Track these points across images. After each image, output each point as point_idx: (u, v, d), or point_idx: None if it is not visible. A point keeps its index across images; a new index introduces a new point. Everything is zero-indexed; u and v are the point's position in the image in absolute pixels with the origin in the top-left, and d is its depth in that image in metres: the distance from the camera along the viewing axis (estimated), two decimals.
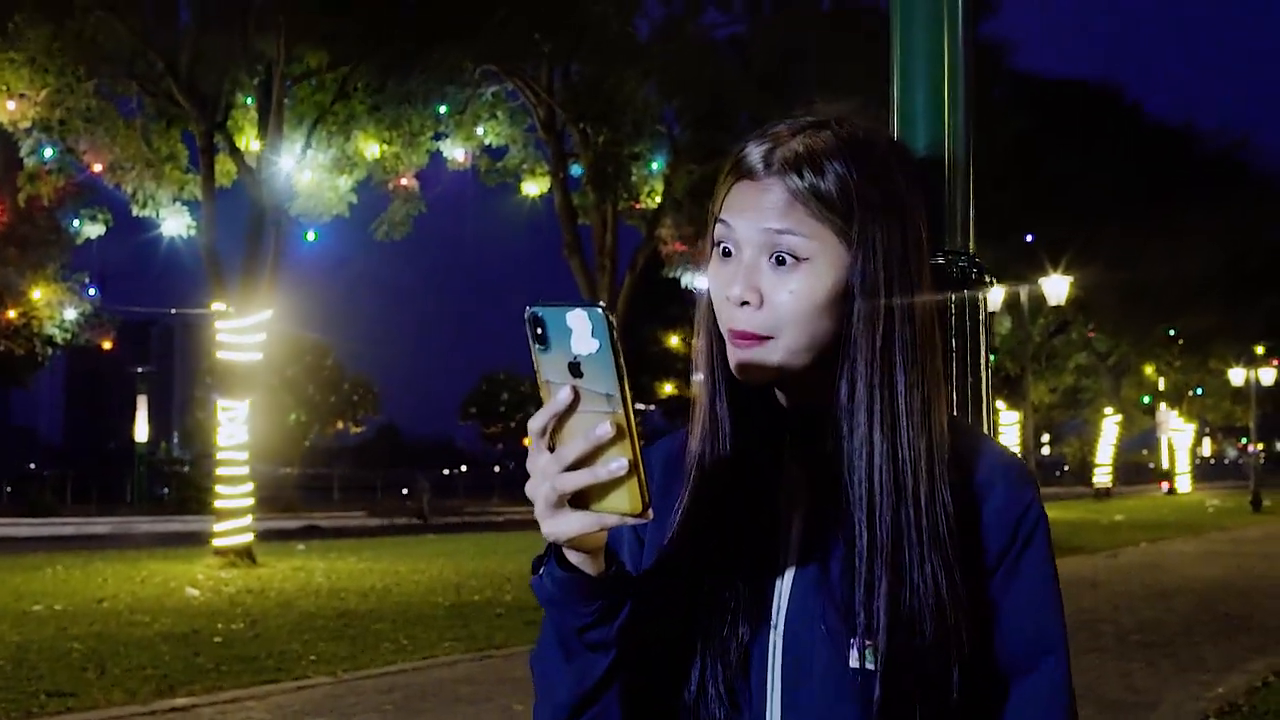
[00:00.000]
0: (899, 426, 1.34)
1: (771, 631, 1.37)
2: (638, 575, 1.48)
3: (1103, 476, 48.38)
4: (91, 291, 31.82)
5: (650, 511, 1.19)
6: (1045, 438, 69.11)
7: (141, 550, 21.14)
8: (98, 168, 18.66)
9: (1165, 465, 59.93)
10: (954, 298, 1.90)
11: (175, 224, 19.95)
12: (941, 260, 1.90)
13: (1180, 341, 39.00)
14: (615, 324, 1.14)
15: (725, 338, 1.39)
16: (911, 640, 1.30)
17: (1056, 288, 22.92)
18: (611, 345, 1.14)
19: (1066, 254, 22.86)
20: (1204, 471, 68.86)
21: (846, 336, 1.35)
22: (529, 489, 1.23)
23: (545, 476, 1.21)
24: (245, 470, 18.44)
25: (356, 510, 41.12)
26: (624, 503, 1.19)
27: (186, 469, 44.12)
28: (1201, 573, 17.98)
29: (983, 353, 1.94)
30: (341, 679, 9.25)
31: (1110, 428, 46.84)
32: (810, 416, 1.40)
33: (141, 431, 38.72)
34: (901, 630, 1.30)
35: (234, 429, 18.30)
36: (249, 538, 18.18)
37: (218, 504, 18.29)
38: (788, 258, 1.34)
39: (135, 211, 19.42)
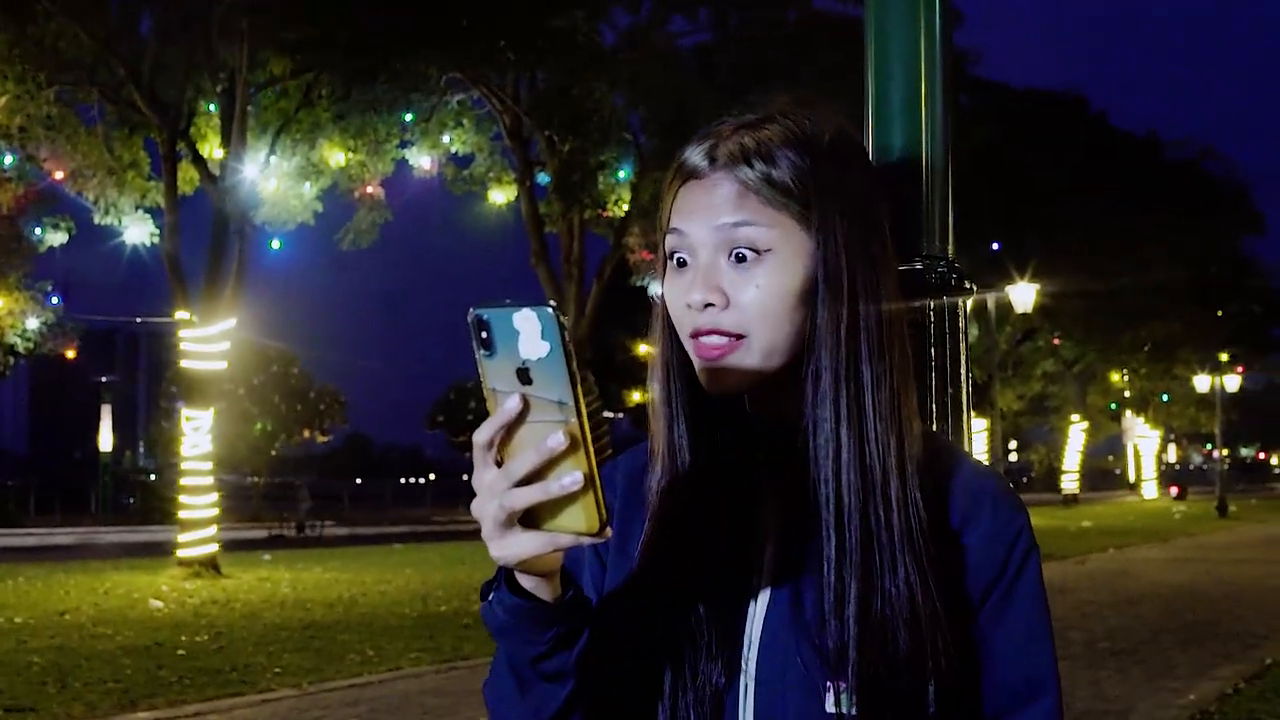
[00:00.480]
0: (866, 421, 1.25)
1: (742, 675, 1.27)
2: (599, 601, 1.40)
3: (1070, 483, 48.63)
4: (54, 300, 31.54)
5: (609, 530, 1.08)
6: (1013, 445, 69.43)
7: (106, 561, 20.89)
8: (59, 175, 18.47)
9: (1131, 471, 60.33)
10: (932, 304, 1.85)
11: (138, 232, 19.78)
12: (919, 265, 1.85)
13: (1146, 348, 39.25)
14: (566, 325, 1.05)
15: (689, 349, 1.30)
16: (884, 651, 1.21)
17: (1023, 295, 22.98)
18: (563, 348, 1.04)
19: (1032, 262, 22.95)
20: (1170, 477, 69.33)
21: (811, 329, 1.26)
22: (475, 508, 1.12)
23: (493, 494, 1.10)
24: (209, 480, 18.25)
25: (325, 519, 40.83)
26: (579, 521, 1.08)
27: (152, 478, 43.74)
28: (1169, 579, 18.05)
29: (962, 362, 1.89)
30: (306, 691, 9.13)
31: (1077, 435, 47.11)
32: (784, 428, 1.31)
33: (106, 441, 38.39)
34: (874, 642, 1.21)
35: (198, 438, 18.11)
36: (214, 548, 17.97)
37: (182, 514, 18.08)
38: (748, 253, 1.25)
39: (97, 219, 19.26)
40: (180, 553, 17.85)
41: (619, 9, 22.47)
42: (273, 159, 19.52)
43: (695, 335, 1.27)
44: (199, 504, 17.96)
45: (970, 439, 1.89)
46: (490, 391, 1.09)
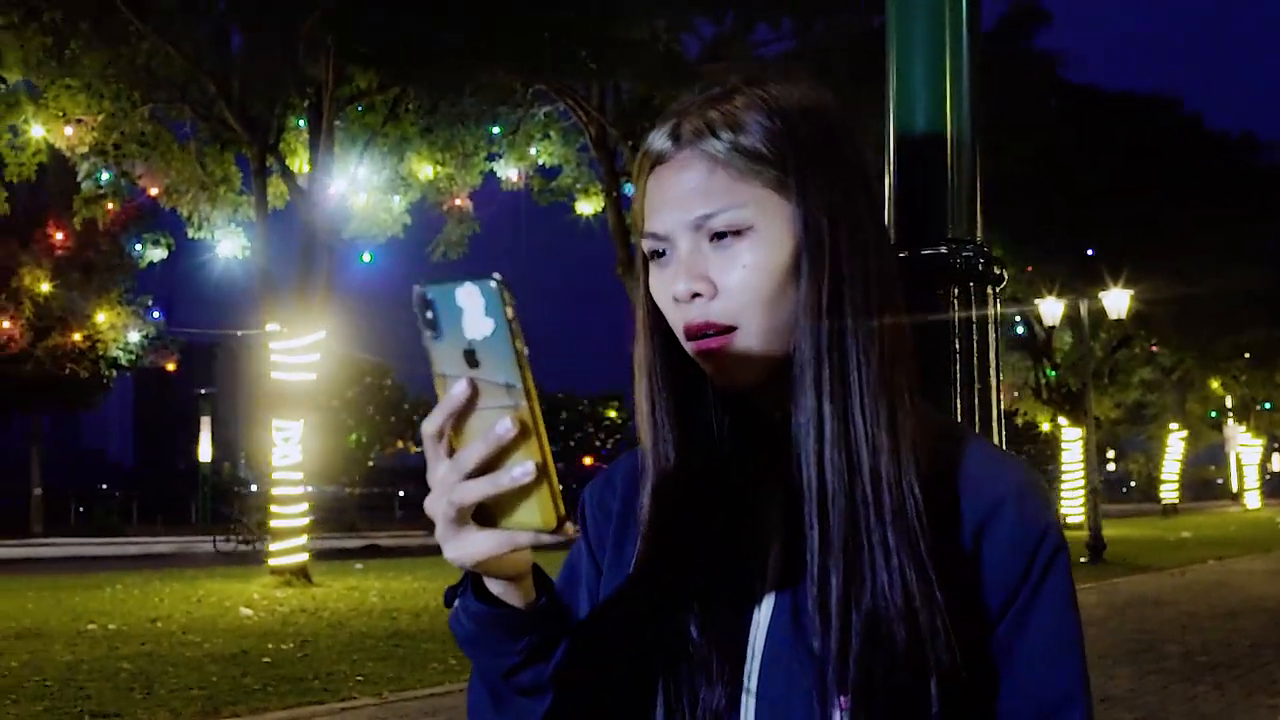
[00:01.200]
0: (851, 394, 1.14)
1: (745, 695, 1.18)
2: (591, 609, 1.31)
3: (1169, 493, 47.53)
4: (155, 314, 32.33)
5: (569, 526, 0.98)
6: (1110, 454, 68.07)
7: (201, 570, 21.27)
8: (154, 191, 18.85)
9: (1233, 481, 58.83)
10: (956, 292, 1.75)
11: (230, 246, 20.14)
12: (944, 250, 1.76)
13: (1245, 355, 38.22)
14: (511, 298, 0.96)
15: (689, 350, 1.21)
16: (878, 648, 1.10)
17: (1117, 302, 22.47)
18: (507, 325, 0.95)
19: (1126, 267, 22.47)
20: (1274, 487, 67.54)
21: (796, 300, 1.16)
22: (427, 505, 1.03)
23: (443, 489, 1.01)
24: (300, 490, 18.49)
25: (418, 530, 41.23)
26: (535, 516, 0.99)
27: (252, 489, 44.53)
28: (1271, 591, 17.50)
29: (992, 354, 1.79)
30: (386, 700, 9.17)
31: (1176, 443, 46.03)
32: (787, 419, 1.21)
33: (205, 452, 39.12)
34: (866, 639, 1.11)
35: (288, 449, 18.35)
36: (304, 557, 18.20)
37: (273, 524, 18.35)
38: (728, 234, 1.16)
39: (191, 234, 19.63)
40: (271, 562, 18.11)
41: (702, 19, 22.42)
42: (361, 173, 19.76)
43: (688, 335, 1.19)
44: (290, 513, 18.20)
45: (1001, 438, 1.78)
46: (439, 377, 1.00)
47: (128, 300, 30.35)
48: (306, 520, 18.49)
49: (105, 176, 18.21)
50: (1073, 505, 31.45)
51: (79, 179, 18.11)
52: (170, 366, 33.15)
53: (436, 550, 1.09)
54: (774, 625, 1.18)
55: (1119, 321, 23.89)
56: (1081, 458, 25.15)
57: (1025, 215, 20.02)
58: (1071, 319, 24.91)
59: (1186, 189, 23.85)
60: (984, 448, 1.25)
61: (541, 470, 0.97)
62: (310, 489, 19.36)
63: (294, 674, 10.11)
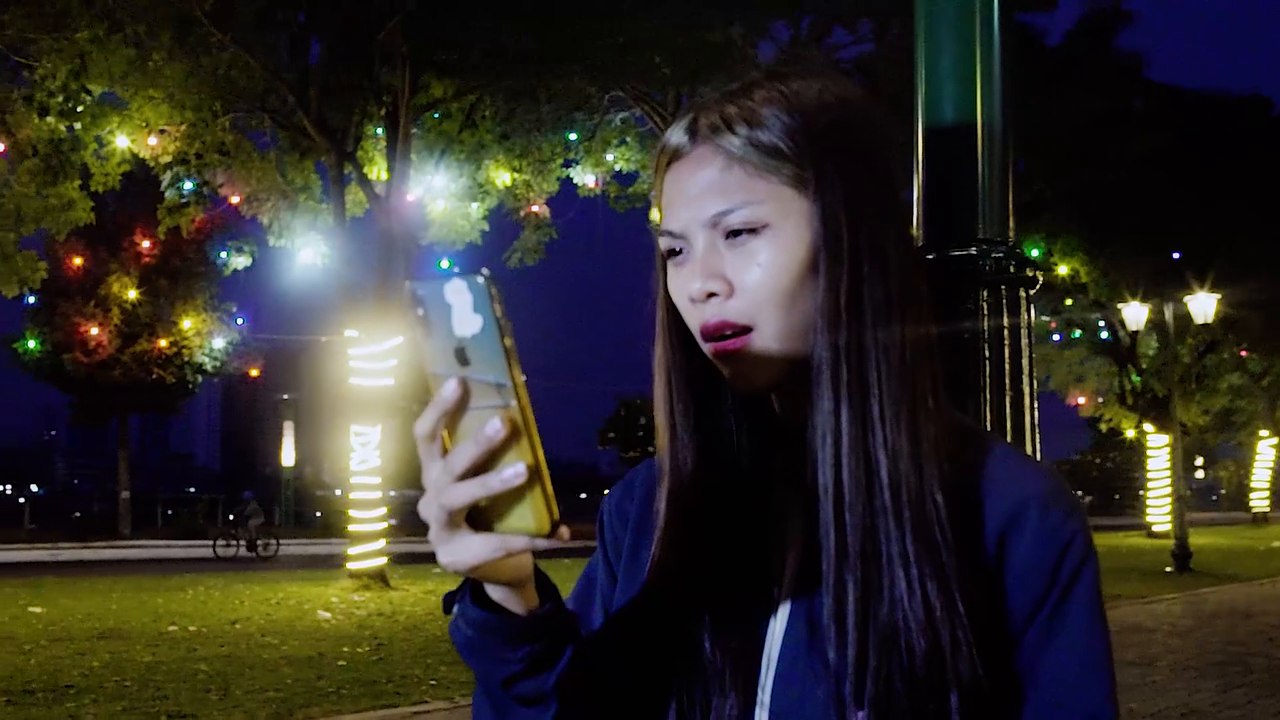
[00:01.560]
0: (870, 397, 1.10)
1: (759, 708, 1.14)
2: (605, 619, 1.28)
3: (1259, 501, 46.44)
4: (239, 320, 32.88)
5: (563, 530, 0.96)
6: (1199, 461, 66.63)
7: (282, 573, 21.53)
8: (235, 200, 19.14)
9: None
10: (985, 294, 1.68)
11: (310, 253, 20.39)
12: (973, 250, 1.69)
13: None
14: (499, 294, 0.94)
15: (707, 352, 1.17)
16: (896, 662, 1.05)
17: (1203, 306, 21.97)
18: (495, 322, 0.93)
19: (1214, 271, 21.98)
20: None
21: (814, 300, 1.12)
22: (421, 507, 1.01)
23: (435, 491, 0.99)
24: (378, 494, 18.65)
25: None
26: (527, 520, 0.97)
27: (335, 492, 45.07)
28: None
29: (1025, 360, 1.71)
30: (458, 704, 9.18)
31: (1267, 450, 44.93)
32: (802, 425, 1.17)
33: (288, 456, 39.70)
34: (883, 653, 1.06)
35: (366, 454, 18.52)
36: (382, 561, 18.35)
37: (351, 528, 18.53)
38: (744, 231, 1.13)
39: (271, 242, 19.90)
40: (350, 565, 18.28)
41: (779, 23, 22.33)
42: (438, 180, 19.92)
43: (705, 335, 1.15)
44: (368, 517, 18.36)
45: (1036, 448, 1.71)
46: (431, 377, 0.98)
47: (212, 307, 30.89)
48: (385, 524, 18.64)
49: (188, 186, 18.51)
50: (1159, 513, 30.82)
51: (162, 188, 18.43)
52: (254, 372, 33.69)
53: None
54: (789, 635, 1.14)
55: (1206, 326, 23.38)
56: (1168, 465, 24.62)
57: (1108, 217, 19.69)
58: (1157, 323, 24.42)
59: (1274, 190, 23.26)
60: (1007, 452, 1.19)
61: (533, 472, 0.95)
62: (389, 493, 19.51)
63: (368, 677, 10.17)
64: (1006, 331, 1.69)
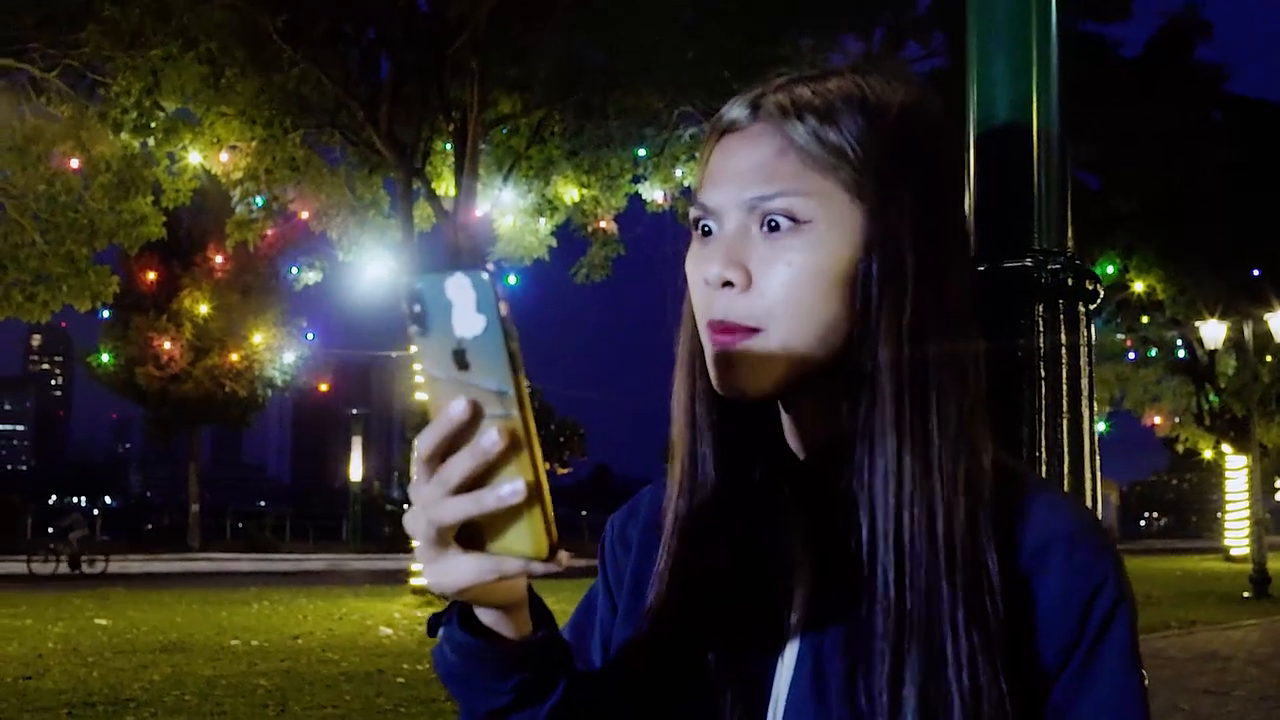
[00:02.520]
0: (932, 446, 1.00)
1: None
2: (606, 651, 1.19)
3: None
4: (309, 335, 33.21)
5: (562, 555, 0.88)
6: (1278, 484, 65.20)
7: (347, 587, 21.63)
8: (305, 215, 19.29)
9: None
10: (1042, 309, 1.55)
11: (379, 268, 20.49)
12: (1029, 263, 1.56)
13: None
14: (502, 293, 0.84)
15: (703, 338, 1.07)
16: None
17: None
18: (500, 323, 0.84)
19: None
20: None
21: (863, 325, 1.02)
22: (407, 522, 0.92)
23: (424, 505, 0.90)
24: None
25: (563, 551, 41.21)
26: (524, 542, 0.88)
27: (404, 507, 45.31)
28: None
29: (1084, 383, 1.57)
30: None
31: None
32: (818, 450, 1.08)
33: (356, 470, 40.01)
34: None
35: None
36: None
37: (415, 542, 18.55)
38: (783, 220, 1.02)
39: (340, 257, 20.02)
40: (413, 581, 18.30)
41: (849, 35, 22.14)
42: (506, 195, 19.93)
43: (709, 324, 1.05)
44: None
45: (1095, 478, 1.56)
46: (427, 378, 0.89)
47: (282, 322, 31.23)
48: None
49: (258, 201, 18.68)
50: (1237, 537, 30.14)
51: (233, 204, 18.62)
52: (323, 387, 34.02)
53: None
54: (796, 684, 1.05)
55: None
56: (1247, 487, 24.04)
57: (1186, 232, 19.30)
58: (1235, 342, 23.89)
59: None
60: (1040, 489, 1.08)
61: (533, 490, 0.87)
62: None
63: (427, 695, 10.12)
64: (1065, 350, 1.55)
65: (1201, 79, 21.95)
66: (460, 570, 0.91)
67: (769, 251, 1.03)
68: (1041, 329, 1.54)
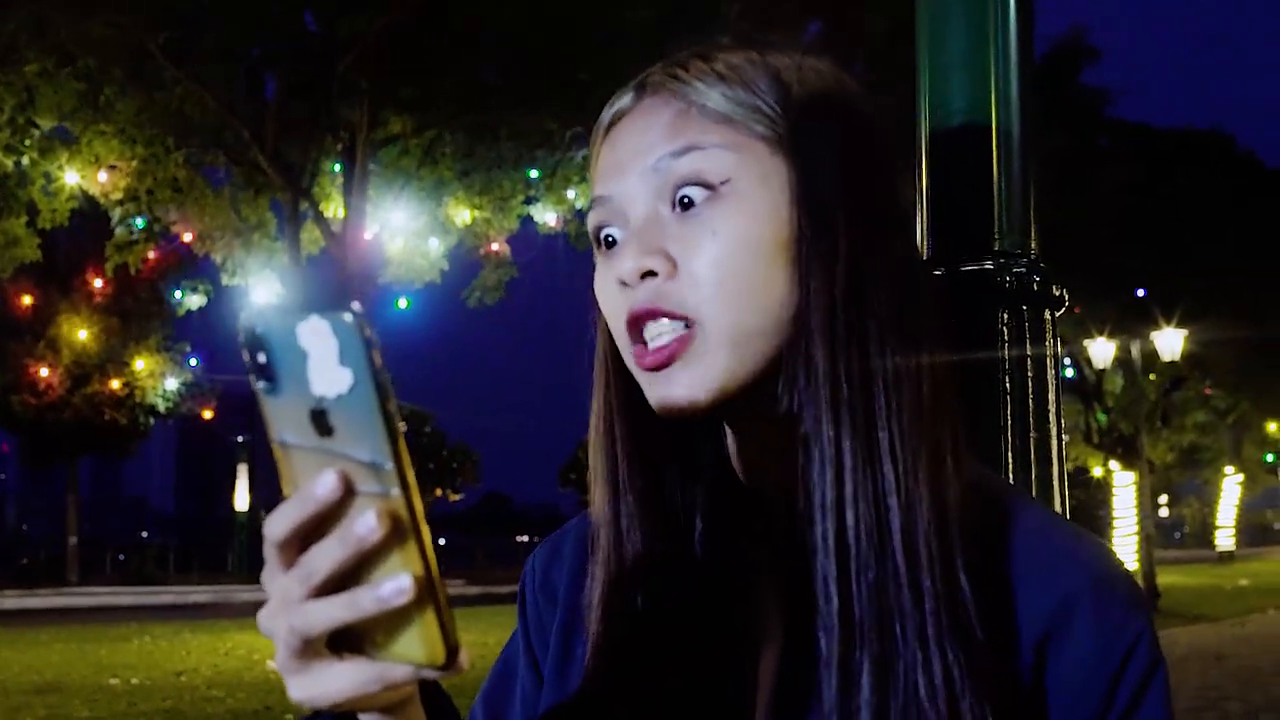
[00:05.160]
0: (876, 423, 0.83)
1: None
2: None
3: (1225, 539, 46.58)
4: (193, 361, 32.41)
5: (463, 659, 0.70)
6: (1163, 499, 66.96)
7: (233, 620, 21.02)
8: (188, 237, 18.80)
9: None
10: (1006, 316, 1.40)
11: (265, 292, 20.02)
12: (990, 265, 1.41)
13: None
14: (375, 340, 0.65)
15: (628, 360, 0.89)
16: None
17: (1170, 343, 22.00)
18: (373, 379, 0.66)
19: (1180, 308, 22.01)
20: None
21: (800, 298, 0.85)
22: (261, 621, 0.73)
23: (284, 605, 0.71)
24: None
25: (456, 579, 41.00)
26: (414, 647, 0.70)
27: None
28: None
29: (1051, 396, 1.42)
30: None
31: (1231, 488, 45.09)
32: (781, 501, 0.89)
33: (242, 500, 39.14)
34: None
35: None
36: None
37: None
38: (696, 191, 0.85)
39: (225, 280, 19.54)
40: None
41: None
42: (397, 217, 19.61)
43: (631, 324, 0.87)
44: None
45: (1064, 500, 1.41)
46: (278, 447, 0.70)
47: (166, 347, 30.44)
48: None
49: (139, 223, 18.14)
50: (1125, 552, 30.73)
51: (112, 225, 18.06)
52: (207, 414, 33.21)
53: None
54: None
55: (1172, 363, 23.40)
56: (1134, 503, 24.52)
57: (1073, 255, 19.62)
58: (1123, 361, 24.40)
59: (1239, 227, 23.38)
60: (1046, 521, 0.92)
61: (423, 587, 0.69)
62: None
63: None
64: (1030, 361, 1.41)
65: (1087, 104, 22.40)
66: (334, 682, 0.73)
67: (688, 230, 0.86)
68: (1006, 337, 1.39)
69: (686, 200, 0.86)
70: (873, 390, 0.84)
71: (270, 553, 0.72)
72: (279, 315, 0.68)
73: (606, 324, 0.93)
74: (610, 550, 0.94)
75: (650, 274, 0.86)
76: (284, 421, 0.69)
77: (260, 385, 0.69)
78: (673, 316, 0.86)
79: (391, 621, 0.70)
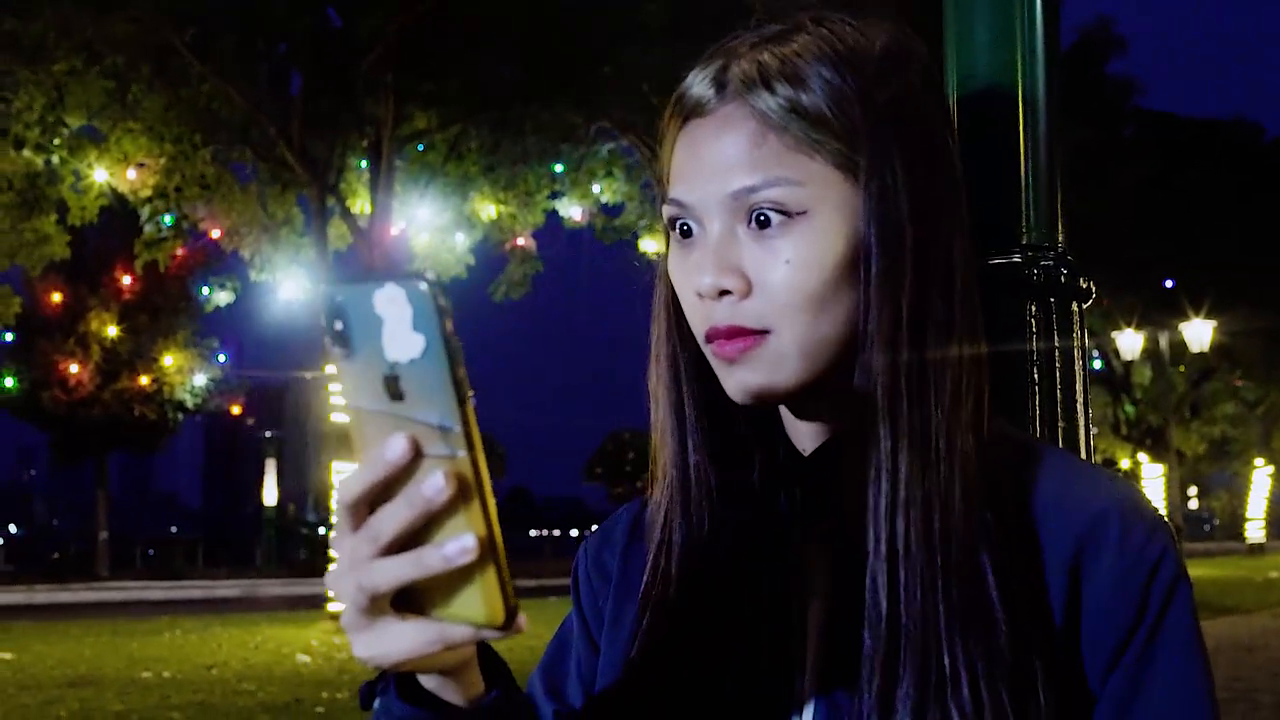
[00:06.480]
0: (930, 435, 0.89)
1: None
2: (585, 701, 1.06)
3: (1255, 531, 46.27)
4: (221, 357, 32.61)
5: (521, 621, 0.73)
6: (1193, 491, 66.59)
7: (262, 614, 21.16)
8: (216, 234, 18.90)
9: None
10: (1034, 309, 1.40)
11: (293, 288, 20.12)
12: (1018, 259, 1.41)
13: None
14: (448, 307, 0.68)
15: (706, 353, 0.95)
16: None
17: (1198, 334, 21.87)
18: (444, 344, 0.69)
19: (1208, 299, 21.86)
20: None
21: (863, 310, 0.91)
22: (331, 582, 0.77)
23: (353, 565, 0.74)
24: None
25: None
26: (475, 607, 0.73)
27: (320, 531, 44.71)
28: None
29: (1079, 387, 1.43)
30: None
31: (1262, 480, 44.79)
32: (833, 457, 0.96)
33: (270, 494, 39.32)
34: None
35: None
36: None
37: (330, 566, 18.22)
38: (773, 215, 0.90)
39: (253, 276, 19.65)
40: (330, 607, 17.90)
41: None
42: (422, 213, 19.69)
43: (711, 334, 0.93)
44: None
45: None
46: (352, 412, 0.73)
47: (194, 343, 30.63)
48: None
49: (167, 220, 18.25)
50: None
51: (141, 222, 18.18)
52: (235, 409, 33.42)
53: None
54: None
55: (1201, 354, 23.29)
56: (1163, 495, 24.41)
57: (1101, 246, 19.54)
58: (1151, 353, 24.29)
59: (1266, 216, 23.21)
60: (1069, 463, 0.99)
61: (485, 547, 0.72)
62: None
63: None
64: (1058, 353, 1.41)
65: (1114, 94, 22.30)
66: (397, 641, 0.76)
67: (762, 251, 0.92)
68: (1034, 330, 1.39)
69: (763, 219, 0.91)
70: (928, 401, 0.90)
71: (341, 515, 0.76)
72: (357, 284, 0.71)
73: (671, 292, 0.99)
74: (676, 499, 0.99)
75: (726, 293, 0.92)
76: (357, 387, 0.72)
77: (336, 351, 0.72)
78: (749, 331, 0.91)
79: (454, 581, 0.73)
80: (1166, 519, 0.96)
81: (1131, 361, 24.31)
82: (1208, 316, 22.02)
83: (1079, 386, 1.42)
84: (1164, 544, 0.92)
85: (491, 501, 0.72)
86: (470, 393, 0.70)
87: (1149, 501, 0.96)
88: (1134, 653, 0.91)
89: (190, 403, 31.25)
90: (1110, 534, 0.91)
